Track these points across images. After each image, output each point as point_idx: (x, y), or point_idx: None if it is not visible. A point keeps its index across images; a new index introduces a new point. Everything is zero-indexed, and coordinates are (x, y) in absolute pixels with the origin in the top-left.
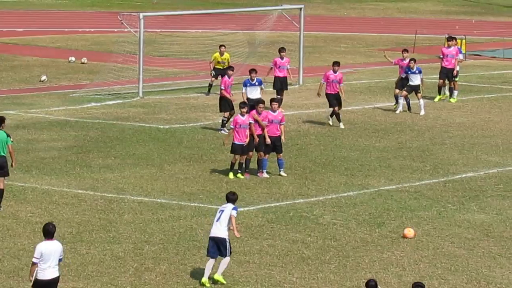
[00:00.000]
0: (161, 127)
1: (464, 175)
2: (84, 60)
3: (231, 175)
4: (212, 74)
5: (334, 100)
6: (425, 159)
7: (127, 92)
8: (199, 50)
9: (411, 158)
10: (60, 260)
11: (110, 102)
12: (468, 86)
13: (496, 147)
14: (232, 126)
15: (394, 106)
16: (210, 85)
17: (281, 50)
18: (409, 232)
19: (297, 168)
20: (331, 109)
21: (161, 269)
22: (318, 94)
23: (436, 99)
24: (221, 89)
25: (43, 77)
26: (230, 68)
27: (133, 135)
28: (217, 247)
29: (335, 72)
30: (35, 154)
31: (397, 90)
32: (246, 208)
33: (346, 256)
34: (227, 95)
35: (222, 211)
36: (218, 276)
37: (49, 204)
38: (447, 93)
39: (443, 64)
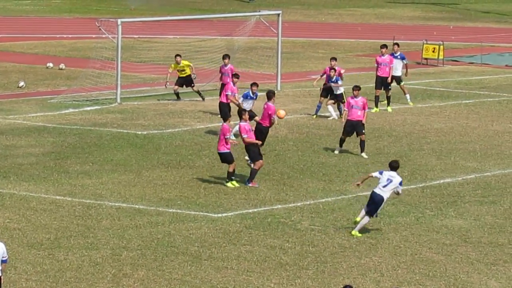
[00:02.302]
0: (139, 133)
1: (442, 181)
2: (62, 66)
3: (230, 184)
4: (167, 85)
5: (351, 127)
6: (403, 165)
7: (105, 98)
8: None
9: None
10: (3, 261)
11: (88, 108)
12: (446, 91)
13: (474, 152)
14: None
15: (315, 116)
16: (177, 94)
17: (224, 57)
18: (280, 113)
19: (275, 174)
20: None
21: (139, 275)
22: (342, 121)
23: (373, 110)
24: (228, 95)
25: (21, 83)
26: (236, 75)
27: (111, 141)
28: (373, 205)
29: (356, 96)
30: (13, 160)
31: (322, 98)
32: (224, 214)
33: (324, 262)
34: (235, 102)
35: (390, 180)
36: (354, 232)
37: (27, 210)
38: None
39: (378, 73)
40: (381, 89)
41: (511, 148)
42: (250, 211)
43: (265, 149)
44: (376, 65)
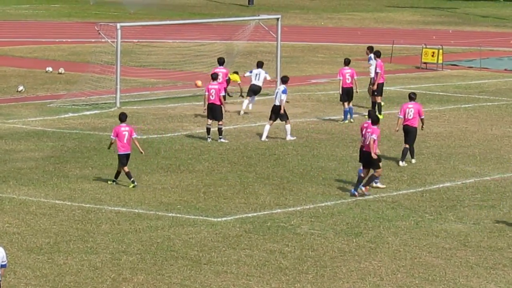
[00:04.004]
0: (139, 137)
1: (441, 185)
2: (61, 70)
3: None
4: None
5: (407, 135)
6: (403, 169)
7: (104, 102)
8: (177, 60)
9: (389, 168)
10: (3, 266)
11: (88, 113)
12: (445, 96)
13: (473, 157)
14: (113, 137)
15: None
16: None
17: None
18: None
19: (275, 178)
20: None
21: (139, 279)
22: (397, 130)
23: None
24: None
25: (20, 87)
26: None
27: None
28: None
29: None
30: (12, 164)
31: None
32: (223, 218)
33: (324, 266)
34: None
35: None
36: None
37: (26, 215)
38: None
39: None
40: (381, 95)
41: (510, 152)
42: (250, 215)
43: (265, 153)
44: (379, 71)
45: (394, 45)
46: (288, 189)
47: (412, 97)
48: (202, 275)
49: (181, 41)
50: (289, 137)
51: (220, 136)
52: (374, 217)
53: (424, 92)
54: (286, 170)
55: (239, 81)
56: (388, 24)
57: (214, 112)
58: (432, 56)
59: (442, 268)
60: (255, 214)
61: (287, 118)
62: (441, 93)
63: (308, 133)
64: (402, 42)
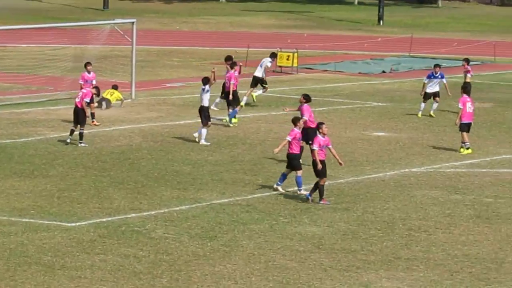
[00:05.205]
0: None
1: (295, 188)
2: None
3: None
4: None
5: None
6: (257, 172)
7: None
8: (31, 64)
9: (244, 171)
10: None
11: None
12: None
13: (327, 160)
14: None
15: None
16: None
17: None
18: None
19: (129, 183)
20: None
21: None
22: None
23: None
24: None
25: None
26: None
27: None
28: None
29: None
30: None
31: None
32: (77, 223)
33: (178, 270)
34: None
35: None
36: None
37: None
38: None
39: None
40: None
41: (364, 155)
42: (104, 220)
43: (120, 158)
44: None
45: (249, 49)
46: (143, 193)
47: None
48: (55, 281)
49: (36, 45)
50: (203, 142)
51: (81, 141)
52: (228, 220)
53: (279, 95)
54: (140, 174)
55: (121, 98)
56: (243, 28)
57: (77, 115)
58: (287, 59)
59: (296, 271)
60: (109, 218)
61: (208, 121)
62: (296, 97)
63: (163, 137)
64: (257, 46)
